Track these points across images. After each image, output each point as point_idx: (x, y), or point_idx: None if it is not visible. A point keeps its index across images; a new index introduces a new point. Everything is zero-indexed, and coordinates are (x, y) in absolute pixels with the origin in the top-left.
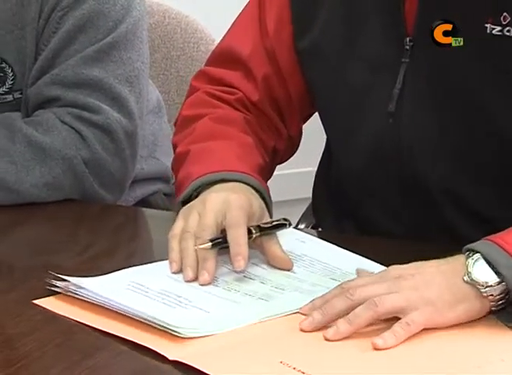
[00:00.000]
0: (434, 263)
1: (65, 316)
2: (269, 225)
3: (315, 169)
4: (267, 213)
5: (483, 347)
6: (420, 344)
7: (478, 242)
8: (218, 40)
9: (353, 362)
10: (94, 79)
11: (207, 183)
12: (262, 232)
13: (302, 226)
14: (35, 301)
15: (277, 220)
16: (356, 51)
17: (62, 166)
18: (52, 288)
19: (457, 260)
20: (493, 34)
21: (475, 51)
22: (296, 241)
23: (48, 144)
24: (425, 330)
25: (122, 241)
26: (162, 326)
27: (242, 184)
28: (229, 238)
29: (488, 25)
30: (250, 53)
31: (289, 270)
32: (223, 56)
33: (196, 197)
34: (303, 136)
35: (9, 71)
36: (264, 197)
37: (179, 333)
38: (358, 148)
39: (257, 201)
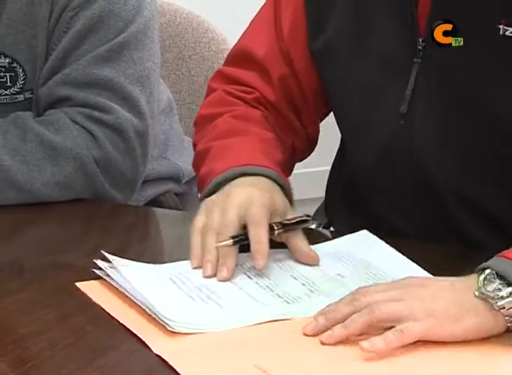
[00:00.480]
0: (449, 279)
1: (95, 304)
2: (292, 221)
3: (326, 168)
4: (290, 208)
5: (481, 368)
6: (408, 359)
7: (490, 260)
8: (229, 39)
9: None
10: (104, 79)
11: (229, 178)
12: (285, 228)
13: (313, 226)
14: (77, 284)
15: (300, 216)
16: (368, 50)
17: (74, 166)
18: (95, 270)
19: (471, 278)
20: (506, 36)
21: (485, 52)
22: (364, 245)
23: (59, 144)
24: (424, 346)
25: (133, 241)
26: (158, 317)
27: (264, 178)
28: (250, 236)
29: (501, 26)
30: (265, 54)
31: (315, 265)
32: (239, 56)
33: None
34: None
35: (20, 71)
36: (286, 191)
37: (168, 325)
38: (369, 146)
39: (279, 197)
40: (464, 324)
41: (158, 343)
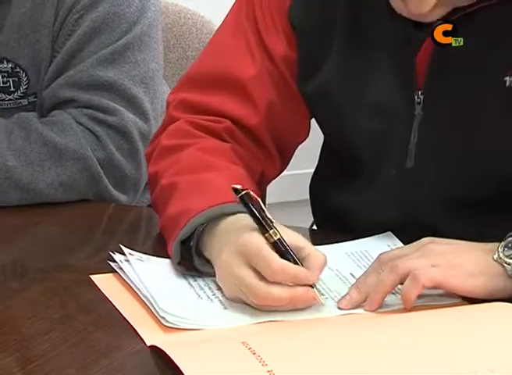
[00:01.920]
0: (473, 242)
1: (99, 304)
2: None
3: None
4: None
5: (475, 354)
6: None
7: None
8: None
9: (314, 355)
10: (108, 80)
11: (210, 219)
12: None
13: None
14: (92, 276)
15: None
16: (365, 98)
17: (78, 167)
18: (110, 262)
19: (495, 244)
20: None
21: (493, 102)
22: (383, 245)
23: (63, 145)
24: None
25: (137, 242)
26: (155, 311)
27: (246, 215)
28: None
29: (507, 78)
30: (251, 77)
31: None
32: (211, 80)
33: (194, 233)
34: (317, 135)
35: (23, 75)
36: None
37: (164, 319)
38: (374, 187)
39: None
40: (476, 281)
41: (153, 336)
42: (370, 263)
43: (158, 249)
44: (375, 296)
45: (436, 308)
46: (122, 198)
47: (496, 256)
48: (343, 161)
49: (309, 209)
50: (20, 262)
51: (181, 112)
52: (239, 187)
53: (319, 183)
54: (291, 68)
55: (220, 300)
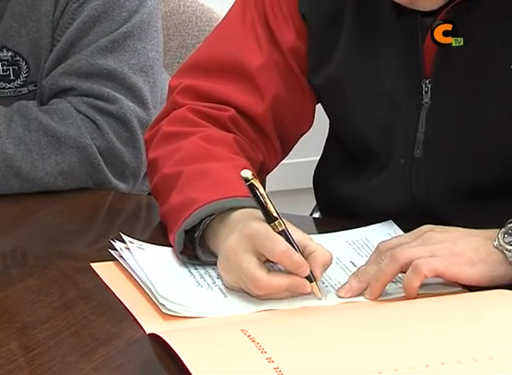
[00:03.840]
0: (472, 230)
1: (98, 292)
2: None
3: None
4: None
5: (474, 341)
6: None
7: None
8: None
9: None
10: (108, 69)
11: (217, 212)
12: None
13: (317, 214)
14: (92, 264)
15: None
16: (374, 88)
17: (78, 155)
18: (110, 251)
19: (495, 231)
20: None
21: (500, 90)
22: (383, 233)
23: (63, 133)
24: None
25: (136, 230)
26: (155, 298)
27: (253, 210)
28: (289, 266)
29: None
30: (259, 67)
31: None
32: (218, 67)
33: (200, 224)
34: (317, 124)
35: (23, 64)
36: None
37: (164, 306)
38: (380, 176)
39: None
40: (476, 269)
41: (152, 324)
42: (371, 251)
43: (158, 237)
44: (375, 285)
45: (436, 296)
46: (122, 186)
47: (496, 243)
48: (350, 150)
49: (308, 198)
50: (20, 250)
51: (185, 98)
52: (247, 175)
53: (324, 172)
54: (299, 59)
55: (220, 288)
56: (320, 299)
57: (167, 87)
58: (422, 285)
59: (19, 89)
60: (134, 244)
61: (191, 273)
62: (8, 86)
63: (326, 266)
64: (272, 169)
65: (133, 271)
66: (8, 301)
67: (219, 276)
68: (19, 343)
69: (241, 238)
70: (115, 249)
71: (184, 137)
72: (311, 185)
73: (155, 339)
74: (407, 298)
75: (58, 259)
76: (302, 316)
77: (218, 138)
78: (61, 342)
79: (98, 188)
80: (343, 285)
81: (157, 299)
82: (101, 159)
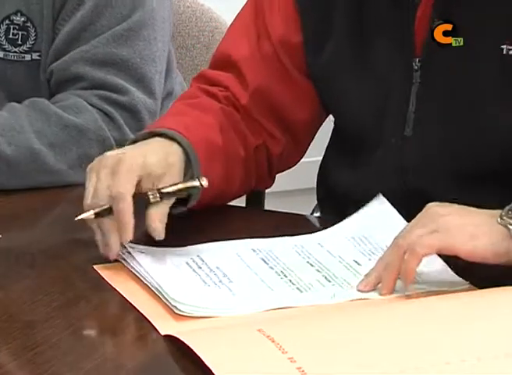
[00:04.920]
0: (478, 209)
1: (109, 286)
2: (170, 190)
3: None
4: (173, 171)
5: (486, 339)
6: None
7: None
8: None
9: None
10: (122, 58)
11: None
12: (164, 197)
13: (317, 214)
14: (95, 266)
15: (184, 182)
16: (367, 71)
17: (97, 147)
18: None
19: (498, 211)
20: (509, 55)
21: (489, 70)
22: (383, 222)
23: (83, 126)
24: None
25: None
26: (168, 301)
27: (159, 138)
28: (114, 212)
29: (504, 46)
30: (243, 58)
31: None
32: (219, 60)
33: None
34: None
35: (32, 31)
36: (188, 153)
37: (176, 308)
38: (373, 160)
39: (155, 158)
40: (478, 242)
41: (166, 326)
42: (371, 246)
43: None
44: (386, 277)
45: (443, 293)
46: None
47: (499, 220)
48: (347, 137)
49: (308, 198)
50: (21, 248)
51: (197, 82)
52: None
53: (325, 165)
54: (289, 50)
55: (227, 287)
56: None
57: (178, 82)
58: (427, 282)
59: (22, 54)
60: (135, 249)
61: (196, 272)
62: (14, 50)
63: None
64: (283, 157)
65: (140, 274)
66: (8, 300)
67: (225, 275)
68: (20, 342)
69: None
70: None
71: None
72: (312, 185)
73: (158, 337)
74: (407, 282)
75: (58, 258)
76: (316, 315)
77: (200, 104)
78: (61, 341)
79: None
80: (362, 279)
81: (168, 301)
82: None
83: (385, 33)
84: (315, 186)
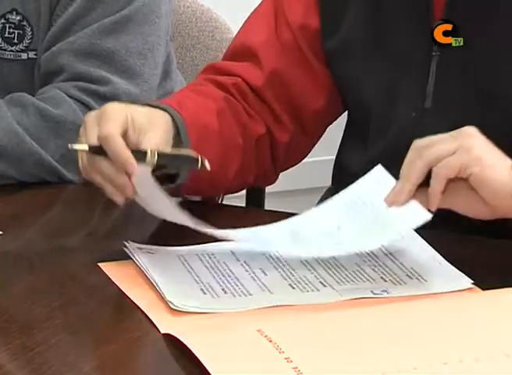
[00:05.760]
0: None
1: (109, 286)
2: (169, 152)
3: (333, 157)
4: (159, 130)
5: (490, 339)
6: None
7: None
8: (233, 28)
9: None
10: (107, 50)
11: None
12: (159, 159)
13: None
14: (100, 264)
15: (186, 149)
16: (385, 48)
17: (76, 138)
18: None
19: None
20: None
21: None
22: (375, 186)
23: (62, 117)
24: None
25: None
26: (164, 296)
27: (154, 109)
28: (109, 153)
29: None
30: (261, 43)
31: None
32: (234, 52)
33: None
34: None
35: (29, 30)
36: (178, 127)
37: (172, 303)
38: (384, 139)
39: (141, 113)
40: (502, 173)
41: (166, 324)
42: (362, 209)
43: (167, 234)
44: (403, 182)
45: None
46: None
47: None
48: (360, 117)
49: (311, 198)
50: (20, 247)
51: (205, 73)
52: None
53: (340, 156)
54: (308, 36)
55: (232, 292)
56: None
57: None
58: (431, 282)
59: (19, 53)
60: (143, 250)
61: (196, 280)
62: (10, 48)
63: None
64: (289, 146)
65: (145, 272)
66: (7, 300)
67: (230, 279)
68: (19, 342)
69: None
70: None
71: None
72: (313, 185)
73: (158, 337)
74: (430, 205)
75: (59, 256)
76: (313, 315)
77: (206, 93)
78: (61, 341)
79: None
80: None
81: (165, 296)
82: None
83: (403, 6)
84: (317, 186)
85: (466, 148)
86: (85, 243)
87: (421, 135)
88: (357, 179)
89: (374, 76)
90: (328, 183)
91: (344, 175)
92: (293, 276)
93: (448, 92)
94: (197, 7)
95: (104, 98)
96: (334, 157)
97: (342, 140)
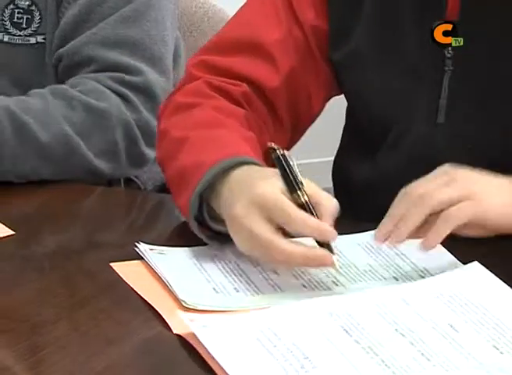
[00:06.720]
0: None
1: (120, 286)
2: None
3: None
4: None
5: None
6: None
7: None
8: None
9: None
10: (131, 39)
11: (227, 169)
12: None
13: None
14: (111, 264)
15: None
16: (395, 59)
17: (121, 132)
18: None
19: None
20: None
21: None
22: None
23: (107, 111)
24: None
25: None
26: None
27: (259, 167)
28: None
29: None
30: (275, 41)
31: None
32: (237, 46)
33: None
34: (324, 124)
35: (37, 14)
36: None
37: (184, 302)
38: (396, 151)
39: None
40: (502, 197)
41: (179, 324)
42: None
43: (180, 236)
44: (402, 227)
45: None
46: (152, 154)
47: None
48: (369, 131)
49: None
50: (31, 248)
51: (201, 71)
52: (274, 145)
53: (341, 160)
54: (318, 37)
55: (231, 282)
56: (337, 271)
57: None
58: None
59: (27, 38)
60: (155, 251)
61: (208, 280)
62: (19, 33)
63: (334, 215)
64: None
65: (158, 272)
66: (18, 300)
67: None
68: (28, 343)
69: (251, 206)
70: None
71: (196, 106)
72: (327, 185)
73: (170, 337)
74: (427, 244)
75: (70, 257)
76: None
77: (229, 110)
78: (70, 342)
79: (131, 161)
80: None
81: (177, 295)
82: (138, 132)
83: (414, 20)
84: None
85: (468, 193)
86: (97, 243)
87: (432, 151)
88: (369, 196)
89: (388, 86)
90: (327, 184)
91: (351, 193)
92: (305, 275)
93: (461, 107)
94: (210, 7)
95: (139, 89)
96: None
97: (343, 145)
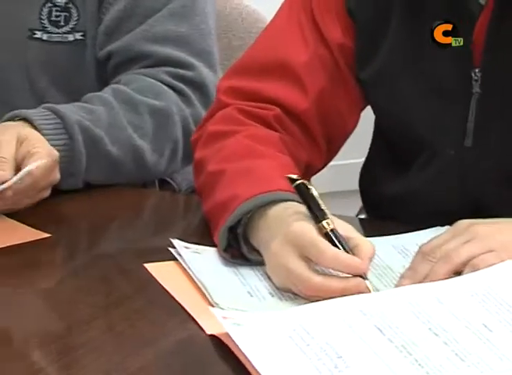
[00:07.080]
0: (508, 219)
1: (155, 287)
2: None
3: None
4: None
5: None
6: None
7: None
8: None
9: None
10: (182, 34)
11: (258, 206)
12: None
13: (362, 216)
14: (145, 265)
15: None
16: (423, 79)
17: (181, 129)
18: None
19: None
20: None
21: None
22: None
23: (167, 109)
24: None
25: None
26: (210, 298)
27: (294, 202)
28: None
29: None
30: (304, 63)
31: None
32: (265, 68)
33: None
34: (363, 126)
35: (75, 12)
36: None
37: (218, 305)
38: (425, 172)
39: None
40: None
41: (211, 324)
42: (495, 303)
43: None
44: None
45: None
46: None
47: None
48: (398, 146)
49: (354, 200)
50: (70, 249)
51: (230, 98)
52: (294, 176)
53: (371, 173)
54: (346, 56)
55: (266, 287)
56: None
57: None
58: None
59: (65, 35)
60: (190, 250)
61: (242, 282)
62: (57, 31)
63: (371, 257)
64: (318, 171)
65: (191, 271)
66: (53, 300)
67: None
68: (63, 343)
69: (286, 244)
70: (174, 248)
71: (229, 135)
72: (357, 187)
73: (203, 338)
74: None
75: (104, 258)
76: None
77: (263, 136)
78: (105, 342)
79: (185, 157)
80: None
81: (212, 298)
82: (194, 128)
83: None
84: (341, 189)
85: (489, 250)
86: (131, 244)
87: (460, 174)
88: (400, 208)
89: (412, 108)
90: (353, 187)
91: (382, 203)
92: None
93: (489, 131)
94: (243, 8)
95: (193, 84)
96: (359, 160)
97: (372, 156)
